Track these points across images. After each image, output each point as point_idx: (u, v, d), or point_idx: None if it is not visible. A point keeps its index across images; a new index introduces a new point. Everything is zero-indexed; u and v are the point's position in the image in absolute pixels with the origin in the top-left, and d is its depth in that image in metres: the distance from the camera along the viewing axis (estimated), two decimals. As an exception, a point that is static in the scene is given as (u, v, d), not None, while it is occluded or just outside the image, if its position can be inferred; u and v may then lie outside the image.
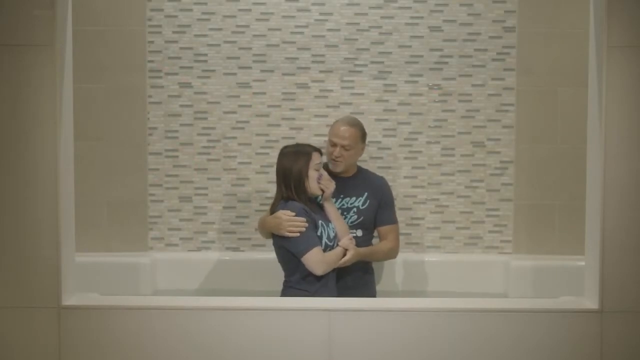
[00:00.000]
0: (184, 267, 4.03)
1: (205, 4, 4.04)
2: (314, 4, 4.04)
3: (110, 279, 3.85)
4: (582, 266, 3.06)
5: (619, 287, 2.86)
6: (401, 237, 4.09)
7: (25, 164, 2.82)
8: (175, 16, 4.04)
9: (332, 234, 3.43)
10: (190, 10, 4.04)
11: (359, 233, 3.65)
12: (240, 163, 4.08)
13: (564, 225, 4.04)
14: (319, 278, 3.33)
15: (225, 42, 4.05)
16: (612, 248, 2.85)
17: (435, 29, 4.05)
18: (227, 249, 4.12)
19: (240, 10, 4.04)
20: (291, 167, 3.38)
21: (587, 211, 3.00)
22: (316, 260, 3.29)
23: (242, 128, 4.09)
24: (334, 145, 3.64)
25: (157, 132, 4.08)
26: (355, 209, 3.68)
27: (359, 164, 3.81)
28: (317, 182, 3.41)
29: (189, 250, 4.12)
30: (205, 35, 4.05)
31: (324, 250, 3.35)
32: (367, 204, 3.69)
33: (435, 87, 4.07)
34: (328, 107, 4.08)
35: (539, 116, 4.03)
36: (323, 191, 3.44)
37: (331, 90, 4.08)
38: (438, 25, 4.05)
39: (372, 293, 3.73)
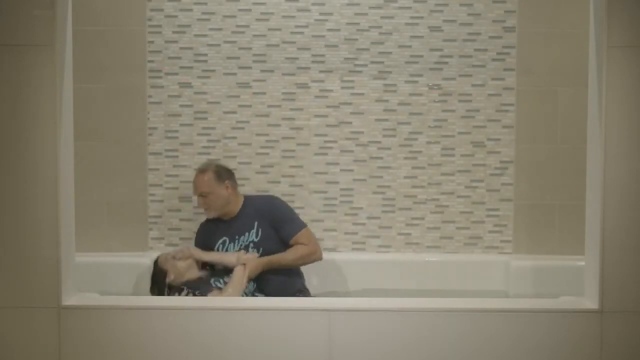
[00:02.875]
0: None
1: (205, 4, 4.04)
2: (314, 4, 4.04)
3: (110, 279, 3.85)
4: (582, 266, 3.06)
5: (619, 287, 2.86)
6: (401, 237, 4.11)
7: (25, 164, 2.82)
8: (175, 16, 4.04)
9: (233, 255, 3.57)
10: (190, 10, 4.04)
11: (255, 255, 3.64)
12: (240, 163, 4.08)
13: (564, 225, 4.04)
14: None
15: (225, 42, 4.05)
16: (612, 248, 2.85)
17: (435, 29, 4.05)
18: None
19: (240, 10, 4.04)
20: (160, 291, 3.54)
21: (587, 211, 3.00)
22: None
23: (242, 128, 4.09)
24: (197, 196, 3.76)
25: (157, 132, 4.08)
26: (251, 244, 3.69)
27: (245, 193, 3.86)
28: (176, 261, 3.52)
29: (189, 250, 4.11)
30: (205, 35, 4.05)
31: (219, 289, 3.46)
32: (260, 234, 3.70)
33: (435, 87, 4.07)
34: (328, 107, 4.08)
35: (539, 116, 4.03)
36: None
37: (331, 90, 4.08)
38: (438, 25, 4.05)
39: (298, 287, 3.73)
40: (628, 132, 2.84)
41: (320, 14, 4.04)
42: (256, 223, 3.71)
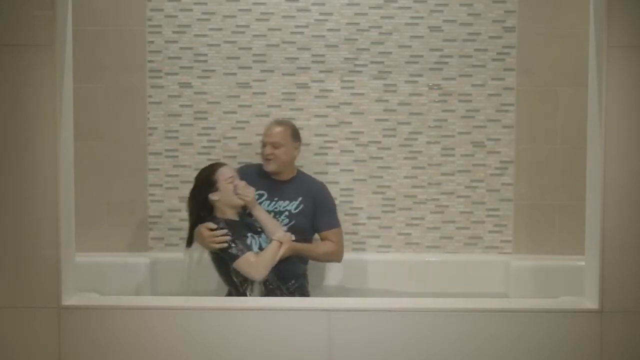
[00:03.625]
0: (184, 267, 4.03)
1: (205, 4, 4.04)
2: (314, 4, 4.04)
3: (110, 279, 3.85)
4: (582, 266, 3.06)
5: (619, 287, 2.86)
6: (401, 237, 4.11)
7: (25, 164, 2.82)
8: (175, 16, 4.04)
9: (264, 244, 3.44)
10: (190, 10, 4.04)
11: (292, 238, 3.59)
12: (240, 163, 4.08)
13: (564, 225, 4.04)
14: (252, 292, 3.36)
15: (225, 42, 4.05)
16: (612, 248, 2.85)
17: (435, 29, 4.05)
18: (227, 249, 4.12)
19: (240, 10, 4.04)
20: (201, 183, 3.45)
21: (587, 211, 3.00)
22: (249, 264, 3.29)
23: (242, 128, 4.09)
24: (264, 145, 3.70)
25: (157, 132, 4.08)
26: (287, 213, 3.68)
27: (301, 169, 3.85)
28: (235, 192, 3.42)
29: (189, 250, 4.12)
30: (205, 35, 4.05)
31: None
32: (299, 208, 3.70)
33: (435, 87, 4.07)
34: (328, 107, 4.08)
35: (539, 116, 4.03)
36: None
37: (331, 90, 4.08)
38: (438, 25, 4.05)
39: (301, 271, 3.71)
40: (628, 132, 2.84)
41: (320, 14, 4.04)
42: (301, 198, 3.71)
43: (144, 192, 4.08)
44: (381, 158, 4.10)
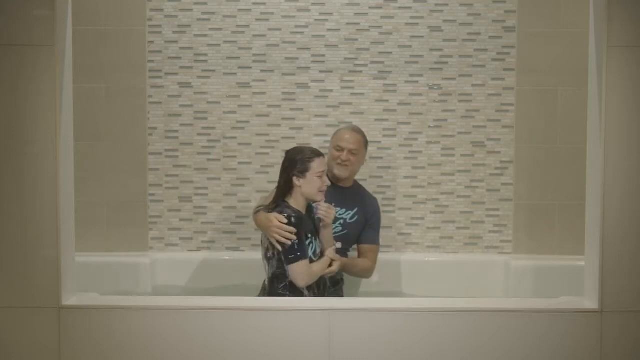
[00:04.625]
0: (184, 267, 4.03)
1: (205, 4, 4.04)
2: (314, 4, 4.04)
3: (110, 279, 3.85)
4: (582, 266, 3.06)
5: (619, 287, 2.86)
6: (401, 237, 4.12)
7: (25, 164, 2.82)
8: (175, 16, 4.04)
9: (318, 250, 3.40)
10: (190, 10, 4.04)
11: (339, 245, 3.62)
12: (240, 163, 4.08)
13: (564, 225, 4.04)
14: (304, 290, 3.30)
15: (225, 42, 4.05)
16: (612, 248, 2.85)
17: (435, 29, 4.05)
18: (227, 249, 4.12)
19: (240, 10, 4.04)
20: (295, 158, 3.32)
21: (587, 211, 3.00)
22: (301, 272, 3.23)
23: (242, 128, 4.09)
24: (340, 150, 3.66)
25: (157, 132, 4.08)
26: (342, 221, 3.68)
27: (357, 179, 3.83)
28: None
29: (189, 250, 4.12)
30: (205, 35, 4.05)
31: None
32: (354, 219, 3.70)
33: (435, 87, 4.07)
34: (328, 107, 4.08)
35: (539, 116, 4.03)
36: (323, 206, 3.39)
37: (331, 90, 4.08)
38: (438, 25, 4.05)
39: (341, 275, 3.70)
40: (628, 132, 2.84)
41: (320, 14, 4.04)
42: (357, 208, 3.72)
43: (144, 192, 4.08)
44: (381, 158, 4.10)
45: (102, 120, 4.02)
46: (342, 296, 3.68)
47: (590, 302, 2.93)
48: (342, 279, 3.70)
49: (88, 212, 3.92)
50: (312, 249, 3.34)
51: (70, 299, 2.91)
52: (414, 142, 4.10)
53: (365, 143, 3.76)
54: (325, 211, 3.37)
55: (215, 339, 2.88)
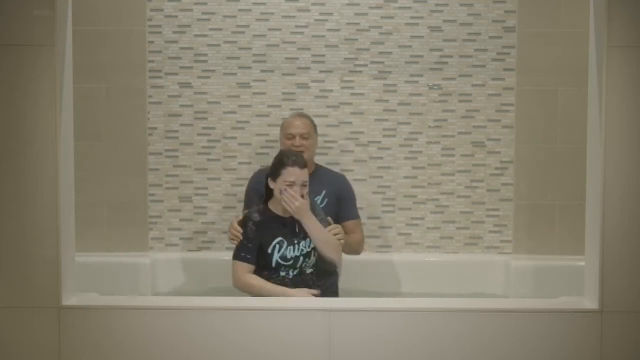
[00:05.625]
0: (184, 267, 4.04)
1: (205, 4, 4.04)
2: (314, 4, 4.04)
3: (110, 279, 3.85)
4: (582, 266, 3.06)
5: (619, 287, 2.86)
6: (401, 237, 4.12)
7: (25, 164, 2.82)
8: (175, 16, 4.04)
9: (291, 254, 3.31)
10: (190, 10, 4.04)
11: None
12: (240, 163, 4.08)
13: (564, 225, 4.04)
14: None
15: (225, 42, 4.05)
16: (612, 248, 2.85)
17: (435, 29, 4.05)
18: (227, 249, 4.10)
19: (240, 10, 4.04)
20: (275, 161, 3.34)
21: (587, 211, 3.00)
22: (234, 271, 3.28)
23: (242, 128, 4.09)
24: (292, 137, 3.64)
25: (157, 132, 4.08)
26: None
27: (317, 162, 3.81)
28: (280, 194, 3.28)
29: (189, 250, 4.12)
30: (205, 35, 4.05)
31: (275, 268, 3.28)
32: (325, 202, 3.68)
33: (435, 87, 4.07)
34: (328, 107, 4.08)
35: (539, 116, 4.03)
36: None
37: (331, 90, 4.08)
38: (438, 25, 4.05)
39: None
40: (628, 132, 2.84)
41: (320, 14, 4.04)
42: (324, 191, 3.69)
43: (144, 192, 4.08)
44: (381, 158, 4.10)
45: (102, 120, 4.02)
46: (336, 291, 3.62)
47: (590, 302, 2.93)
48: (336, 272, 3.62)
49: (88, 212, 3.92)
50: (279, 253, 3.29)
51: (70, 299, 2.91)
52: (414, 142, 4.10)
53: (314, 127, 3.73)
54: (288, 199, 3.26)
55: (215, 339, 2.88)
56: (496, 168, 4.11)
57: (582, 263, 3.07)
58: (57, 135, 2.81)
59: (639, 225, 2.86)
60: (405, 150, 4.10)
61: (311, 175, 3.59)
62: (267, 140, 4.08)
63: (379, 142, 4.10)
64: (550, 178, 4.04)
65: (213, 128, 4.09)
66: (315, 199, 3.62)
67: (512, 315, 2.89)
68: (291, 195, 3.25)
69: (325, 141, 4.06)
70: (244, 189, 4.03)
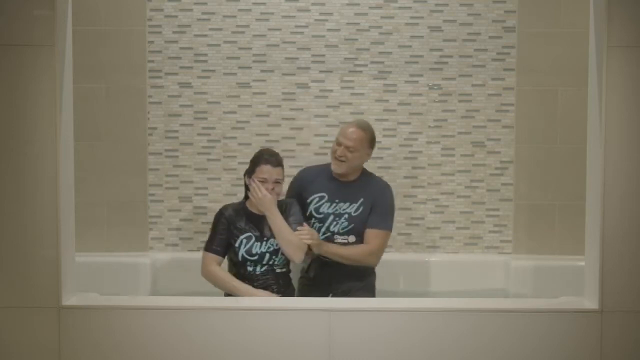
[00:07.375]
0: (184, 267, 4.03)
1: (205, 4, 4.04)
2: (314, 4, 4.04)
3: (110, 279, 3.85)
4: (582, 266, 3.06)
5: (619, 287, 2.86)
6: (401, 237, 4.11)
7: (25, 164, 2.82)
8: (175, 16, 4.04)
9: (257, 250, 3.39)
10: (190, 10, 4.04)
11: (352, 239, 3.59)
12: (240, 163, 4.08)
13: (564, 225, 4.04)
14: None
15: (225, 42, 4.05)
16: (612, 248, 2.86)
17: (435, 29, 4.05)
18: (227, 249, 4.12)
19: (240, 10, 4.04)
20: (253, 157, 3.47)
21: (587, 211, 3.00)
22: (203, 263, 3.41)
23: (242, 128, 4.09)
24: (339, 144, 3.60)
25: (157, 132, 4.08)
26: (346, 215, 3.62)
27: (366, 167, 3.77)
28: (252, 192, 3.40)
29: (189, 250, 4.12)
30: (205, 35, 4.05)
31: (242, 262, 3.38)
32: (359, 211, 3.62)
33: (435, 87, 4.07)
34: (328, 107, 4.08)
35: (539, 116, 4.03)
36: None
37: (331, 90, 4.08)
38: (438, 25, 4.05)
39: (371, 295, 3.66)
40: (628, 132, 2.84)
41: (320, 14, 4.05)
42: (362, 199, 3.62)
43: (144, 192, 4.08)
44: (381, 158, 4.10)
45: (102, 120, 4.02)
46: (373, 291, 3.63)
47: (590, 302, 2.93)
48: (373, 272, 3.65)
49: (88, 212, 3.92)
50: (244, 248, 3.39)
51: (70, 299, 2.91)
52: (414, 142, 4.10)
53: (370, 140, 3.64)
54: (253, 189, 3.39)
55: (215, 339, 2.88)
56: (496, 168, 4.11)
57: (582, 263, 3.07)
58: (57, 135, 2.81)
59: (639, 225, 2.86)
60: (405, 150, 4.10)
61: (352, 183, 3.65)
62: (267, 141, 4.08)
63: (379, 142, 4.09)
64: (550, 178, 4.04)
65: (213, 128, 4.09)
66: (351, 207, 3.61)
67: (512, 315, 2.89)
68: (257, 186, 3.37)
69: (326, 141, 4.06)
70: (243, 189, 4.03)
